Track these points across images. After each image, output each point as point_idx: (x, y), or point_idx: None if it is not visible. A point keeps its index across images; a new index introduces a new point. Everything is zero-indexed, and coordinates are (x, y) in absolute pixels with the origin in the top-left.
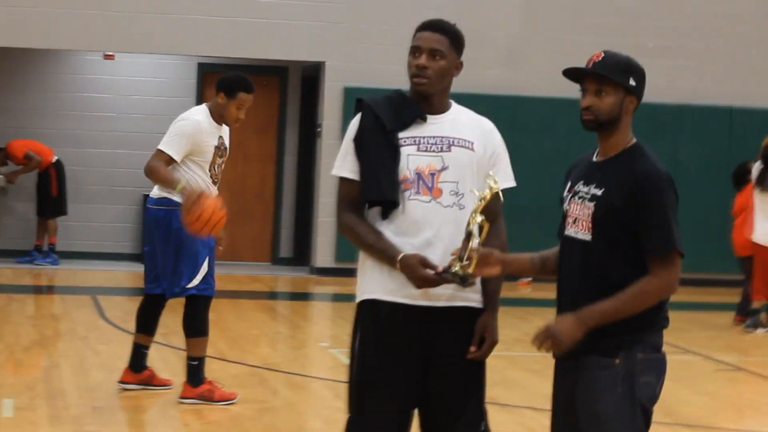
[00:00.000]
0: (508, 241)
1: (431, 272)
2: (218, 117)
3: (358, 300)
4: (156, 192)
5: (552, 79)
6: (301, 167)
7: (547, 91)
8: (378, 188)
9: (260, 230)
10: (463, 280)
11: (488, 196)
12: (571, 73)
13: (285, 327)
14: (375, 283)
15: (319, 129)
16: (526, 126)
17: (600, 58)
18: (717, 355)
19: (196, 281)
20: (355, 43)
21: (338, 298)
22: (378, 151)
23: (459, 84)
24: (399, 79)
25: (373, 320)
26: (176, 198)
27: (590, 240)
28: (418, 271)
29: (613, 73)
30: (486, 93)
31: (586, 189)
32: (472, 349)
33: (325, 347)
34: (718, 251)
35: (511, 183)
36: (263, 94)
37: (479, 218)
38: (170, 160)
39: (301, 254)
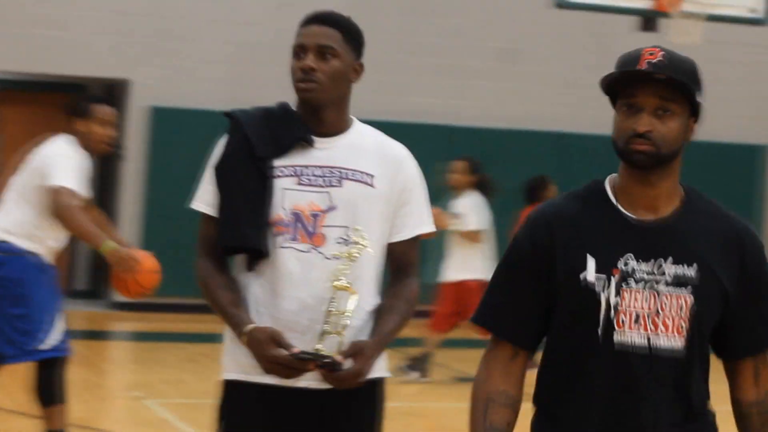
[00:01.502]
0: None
1: (283, 353)
2: (85, 148)
3: (221, 377)
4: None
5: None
6: (101, 193)
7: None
8: (238, 232)
9: (55, 261)
10: (330, 365)
11: (353, 254)
12: (615, 81)
13: (90, 373)
14: (237, 357)
15: (121, 152)
16: None
17: (661, 58)
18: None
19: (51, 340)
20: (163, 59)
21: (141, 337)
22: (243, 183)
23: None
24: (212, 98)
25: (240, 408)
26: (14, 241)
27: (684, 350)
28: (266, 351)
29: (691, 83)
30: None
31: (652, 268)
32: (339, 358)
33: (138, 397)
34: None
35: (423, 228)
36: (60, 114)
37: (340, 282)
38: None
39: (98, 287)
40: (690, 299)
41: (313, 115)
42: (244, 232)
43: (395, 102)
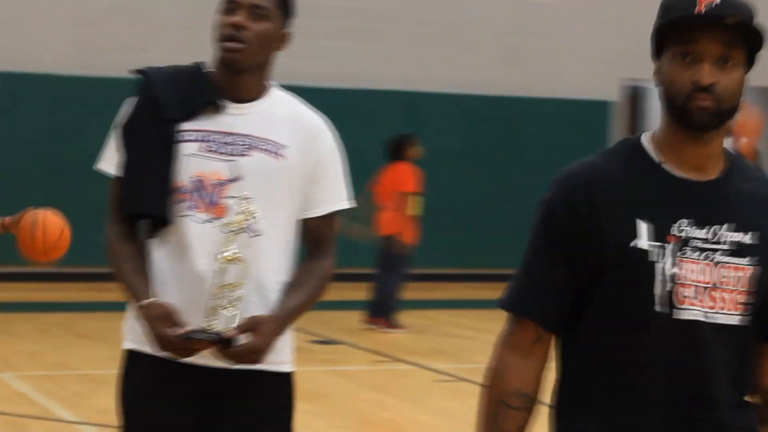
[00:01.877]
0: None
1: (177, 331)
2: None
3: (122, 345)
4: None
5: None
6: None
7: None
8: (141, 198)
9: None
10: (220, 341)
11: (237, 223)
12: (670, 25)
13: None
14: (136, 327)
15: None
16: None
17: (719, 1)
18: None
19: None
20: (2, 23)
21: None
22: (147, 146)
23: None
24: (59, 63)
25: (138, 379)
26: None
27: (742, 327)
28: (157, 329)
29: (760, 29)
30: None
31: (709, 234)
32: (231, 333)
33: None
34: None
35: (339, 204)
36: None
37: (228, 252)
38: None
39: None
40: (750, 271)
41: (231, 77)
42: (146, 197)
43: None
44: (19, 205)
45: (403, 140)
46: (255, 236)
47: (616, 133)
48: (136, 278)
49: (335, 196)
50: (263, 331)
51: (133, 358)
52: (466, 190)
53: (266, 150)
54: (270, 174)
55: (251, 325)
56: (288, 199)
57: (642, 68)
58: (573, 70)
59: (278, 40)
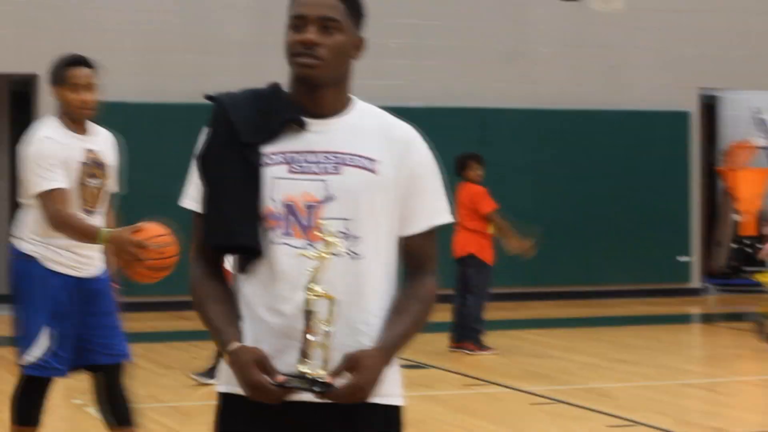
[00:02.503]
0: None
1: (266, 380)
2: (70, 121)
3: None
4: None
5: None
6: (15, 193)
7: None
8: (226, 229)
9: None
10: (317, 386)
11: (324, 256)
12: None
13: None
14: (227, 368)
15: None
16: None
17: None
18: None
19: (29, 357)
20: (70, 51)
21: None
22: (228, 174)
23: None
24: (125, 92)
25: (232, 421)
26: (19, 244)
27: None
28: (248, 376)
29: None
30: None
31: None
32: (328, 379)
33: (80, 405)
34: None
35: (439, 218)
36: None
37: (317, 289)
38: (63, 194)
39: None
40: None
41: (310, 94)
42: (232, 228)
43: None
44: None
45: (466, 160)
46: (355, 259)
47: (694, 143)
48: (222, 320)
49: (434, 209)
50: (366, 366)
51: (227, 401)
52: (539, 205)
53: (357, 166)
54: (363, 191)
55: (352, 363)
56: (384, 217)
57: (718, 77)
58: (647, 81)
59: (354, 48)
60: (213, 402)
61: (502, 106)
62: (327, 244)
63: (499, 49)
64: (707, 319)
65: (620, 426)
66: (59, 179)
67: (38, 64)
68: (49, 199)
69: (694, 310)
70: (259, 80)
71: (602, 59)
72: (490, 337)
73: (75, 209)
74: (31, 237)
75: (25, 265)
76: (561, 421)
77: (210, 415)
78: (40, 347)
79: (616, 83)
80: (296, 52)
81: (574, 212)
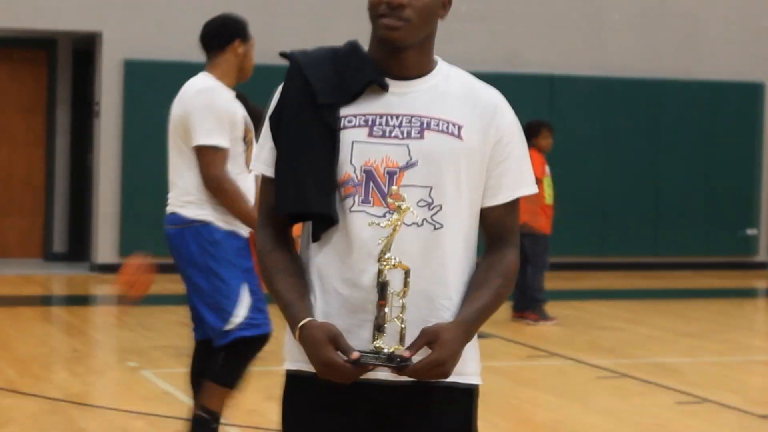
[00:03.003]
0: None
1: (339, 358)
2: (232, 81)
3: (284, 367)
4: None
5: None
6: (76, 151)
7: None
8: (300, 196)
9: (30, 223)
10: (393, 361)
11: (397, 223)
12: None
13: (78, 342)
14: (294, 344)
15: (96, 107)
16: None
17: None
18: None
19: (236, 318)
20: (134, 10)
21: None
22: (303, 136)
23: None
24: (187, 51)
25: (300, 402)
26: (179, 211)
27: None
28: (321, 353)
29: None
30: None
31: None
32: (405, 353)
33: (135, 368)
34: None
35: (527, 190)
36: (29, 70)
37: (392, 260)
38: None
39: (78, 249)
40: None
41: (393, 55)
42: (306, 195)
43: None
44: None
45: (538, 127)
46: (437, 229)
47: (767, 115)
48: (292, 293)
49: (520, 179)
50: (445, 340)
51: (295, 380)
52: (606, 175)
53: (441, 131)
54: (448, 157)
55: (431, 337)
56: (467, 186)
57: None
58: (721, 52)
59: (441, 7)
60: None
61: (571, 73)
62: (403, 212)
63: (569, 16)
64: None
65: (689, 403)
66: (226, 138)
67: (101, 22)
68: (216, 157)
69: (761, 284)
70: (325, 41)
71: (677, 28)
72: (552, 308)
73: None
74: (201, 200)
75: (204, 231)
76: (626, 396)
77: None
78: (244, 306)
79: (689, 53)
80: (381, 12)
81: (642, 183)
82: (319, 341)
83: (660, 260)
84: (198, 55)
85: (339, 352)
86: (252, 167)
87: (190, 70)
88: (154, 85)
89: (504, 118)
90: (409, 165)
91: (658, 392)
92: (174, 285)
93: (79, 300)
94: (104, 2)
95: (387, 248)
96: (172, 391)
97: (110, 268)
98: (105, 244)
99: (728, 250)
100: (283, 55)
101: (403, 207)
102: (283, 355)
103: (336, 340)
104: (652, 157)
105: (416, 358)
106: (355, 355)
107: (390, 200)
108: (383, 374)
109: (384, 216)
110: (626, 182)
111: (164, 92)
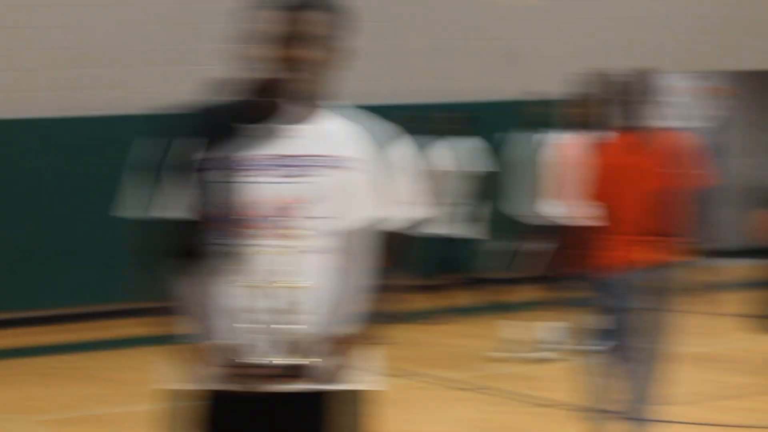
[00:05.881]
0: None
1: (241, 371)
2: None
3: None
4: None
5: None
6: None
7: None
8: (193, 234)
9: None
10: (293, 372)
11: (295, 252)
12: None
13: None
14: (178, 366)
15: None
16: None
17: None
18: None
19: None
20: None
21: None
22: (194, 180)
23: None
24: (50, 107)
25: (211, 418)
26: None
27: None
28: (224, 369)
29: None
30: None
31: None
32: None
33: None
34: None
35: (397, 213)
36: None
37: (285, 277)
38: None
39: None
40: None
41: (282, 104)
42: (200, 233)
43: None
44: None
45: None
46: (319, 254)
47: None
48: (193, 318)
49: (387, 205)
50: (340, 349)
51: (206, 398)
52: None
53: (325, 166)
54: (332, 191)
55: (326, 347)
56: (358, 210)
57: None
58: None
59: (334, 62)
60: None
61: None
62: (297, 241)
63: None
64: None
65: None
66: None
67: None
68: None
69: None
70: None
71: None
72: None
73: None
74: None
75: None
76: None
77: None
78: None
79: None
80: (277, 66)
81: None
82: (220, 358)
83: None
84: (58, 112)
85: (241, 368)
86: (152, 213)
87: (44, 126)
88: (10, 144)
89: (389, 150)
90: (304, 199)
91: None
92: (18, 338)
93: None
94: None
95: (284, 272)
96: None
97: None
98: None
99: None
100: (173, 106)
101: (300, 237)
102: (165, 375)
103: (237, 356)
104: None
105: (314, 366)
106: (256, 370)
107: (286, 232)
108: (286, 385)
109: (275, 246)
110: None
111: (21, 150)
